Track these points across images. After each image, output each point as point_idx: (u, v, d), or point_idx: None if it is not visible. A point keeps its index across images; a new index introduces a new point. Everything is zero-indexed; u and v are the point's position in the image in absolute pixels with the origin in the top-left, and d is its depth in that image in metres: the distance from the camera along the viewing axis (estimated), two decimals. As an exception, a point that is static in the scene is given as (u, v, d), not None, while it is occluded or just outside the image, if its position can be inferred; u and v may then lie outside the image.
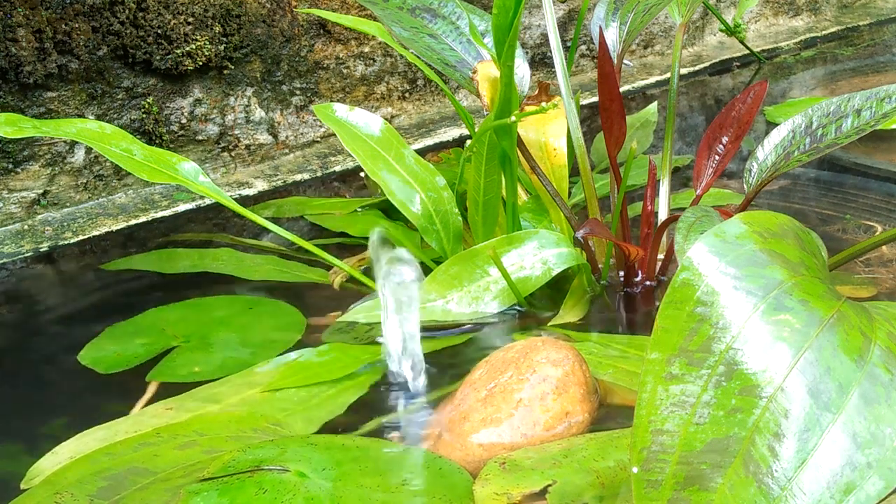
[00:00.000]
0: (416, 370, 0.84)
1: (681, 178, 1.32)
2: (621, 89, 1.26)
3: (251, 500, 0.65)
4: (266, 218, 1.02)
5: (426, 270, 0.97)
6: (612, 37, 1.06)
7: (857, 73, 1.88)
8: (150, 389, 0.88)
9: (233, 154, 1.42)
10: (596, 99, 1.69)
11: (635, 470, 0.55)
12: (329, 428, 0.80)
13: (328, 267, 1.08)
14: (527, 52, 1.77)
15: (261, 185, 1.40)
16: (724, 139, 0.99)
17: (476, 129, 1.01)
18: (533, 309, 0.96)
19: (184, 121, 1.37)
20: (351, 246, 1.15)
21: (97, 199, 1.31)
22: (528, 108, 1.01)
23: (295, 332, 0.96)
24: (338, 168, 1.46)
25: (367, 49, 1.55)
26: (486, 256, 0.94)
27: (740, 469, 0.54)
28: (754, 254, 0.61)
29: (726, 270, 0.59)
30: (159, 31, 1.32)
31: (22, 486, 0.73)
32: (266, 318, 0.99)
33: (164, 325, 0.98)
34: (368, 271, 1.08)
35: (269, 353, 0.91)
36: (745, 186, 0.93)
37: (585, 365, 0.79)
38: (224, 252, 1.15)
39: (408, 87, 1.62)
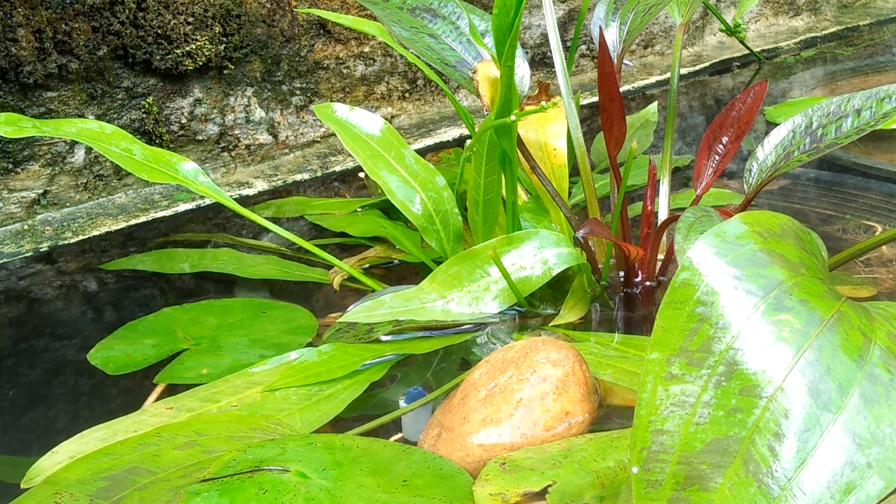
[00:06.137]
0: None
1: (681, 178, 1.32)
2: (621, 89, 1.26)
3: (251, 500, 0.65)
4: (266, 218, 1.02)
5: (426, 270, 0.97)
6: (612, 37, 1.06)
7: (857, 73, 1.88)
8: (157, 391, 0.87)
9: (233, 154, 1.42)
10: (596, 99, 1.69)
11: (635, 470, 0.55)
12: (329, 427, 0.80)
13: (328, 267, 1.08)
14: (527, 52, 1.77)
15: (261, 185, 1.40)
16: (724, 139, 0.98)
17: (476, 129, 1.01)
18: (533, 309, 0.96)
19: (184, 121, 1.37)
20: (351, 246, 1.15)
21: (97, 199, 1.31)
22: (528, 108, 1.01)
23: (305, 335, 0.96)
24: (338, 168, 1.46)
25: (367, 49, 1.55)
26: (486, 256, 0.94)
27: (740, 469, 0.54)
28: (754, 254, 0.61)
29: (726, 270, 0.59)
30: (159, 31, 1.32)
31: (22, 486, 0.73)
32: (279, 322, 0.98)
33: (176, 327, 0.98)
34: (368, 271, 1.08)
35: None
36: (745, 186, 0.93)
37: (585, 365, 0.79)
38: (224, 252, 1.15)
39: (408, 87, 1.62)
